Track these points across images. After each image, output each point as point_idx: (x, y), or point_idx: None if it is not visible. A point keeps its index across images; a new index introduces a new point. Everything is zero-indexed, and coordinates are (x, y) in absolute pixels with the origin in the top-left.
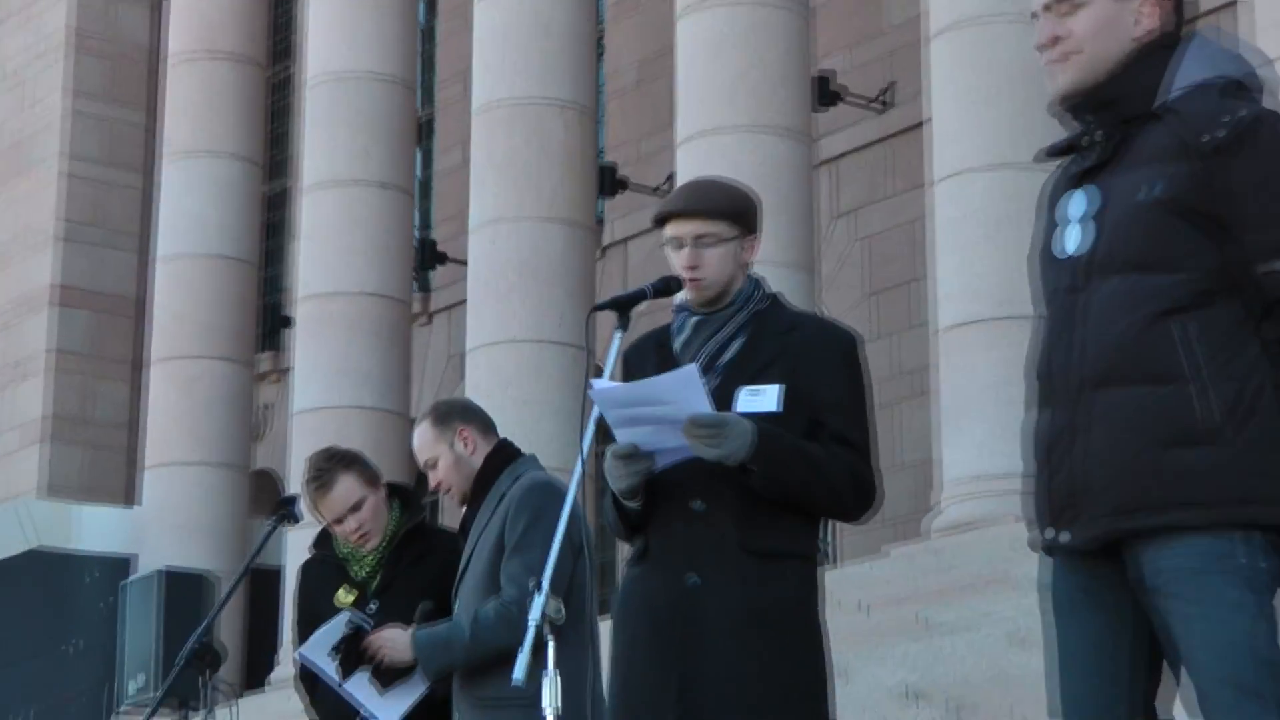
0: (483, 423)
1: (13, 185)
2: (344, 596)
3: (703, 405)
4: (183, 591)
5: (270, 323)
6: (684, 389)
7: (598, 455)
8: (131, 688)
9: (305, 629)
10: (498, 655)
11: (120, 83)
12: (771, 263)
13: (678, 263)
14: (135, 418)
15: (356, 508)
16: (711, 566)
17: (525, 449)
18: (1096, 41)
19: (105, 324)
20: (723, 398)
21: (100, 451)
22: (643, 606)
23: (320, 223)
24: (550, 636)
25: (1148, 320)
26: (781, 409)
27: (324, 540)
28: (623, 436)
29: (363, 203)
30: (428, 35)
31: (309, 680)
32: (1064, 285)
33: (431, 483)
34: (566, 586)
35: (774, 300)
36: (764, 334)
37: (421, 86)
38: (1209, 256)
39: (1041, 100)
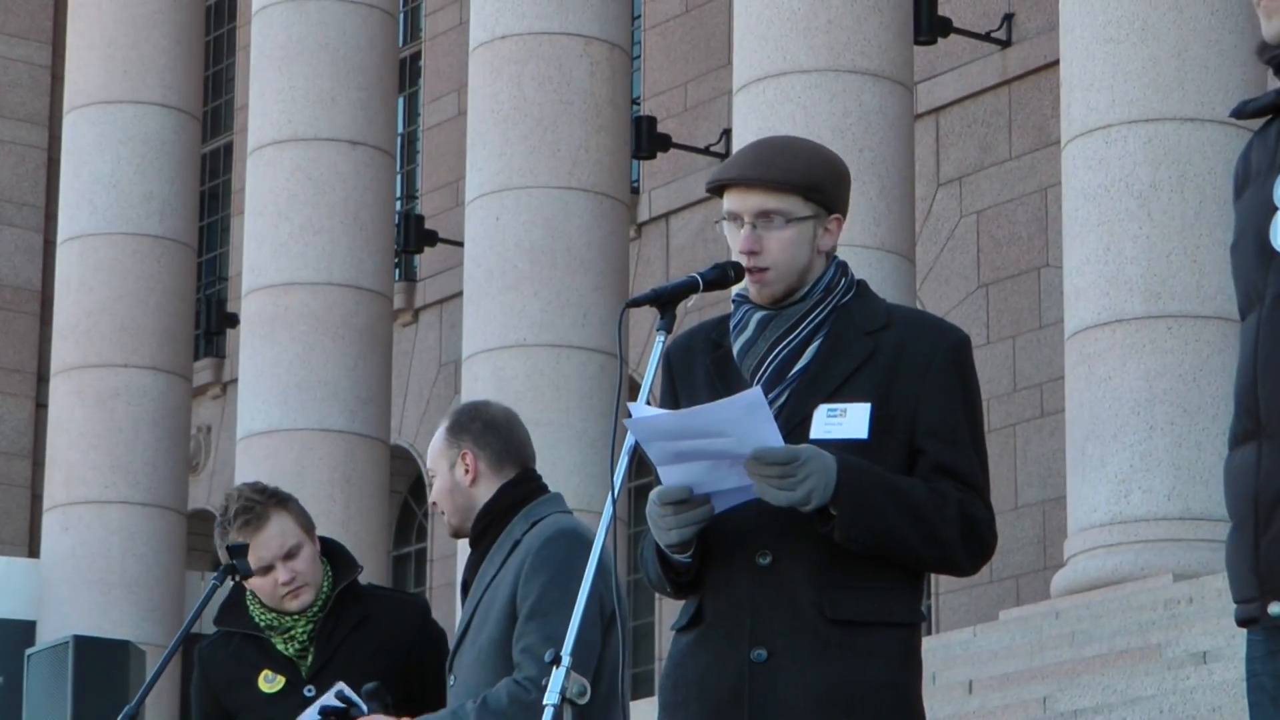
0: (499, 450)
1: None
2: (265, 686)
3: (771, 437)
4: (101, 663)
5: (210, 322)
6: (748, 417)
7: (633, 494)
8: None
9: None
10: None
11: (13, 11)
12: (854, 245)
13: (735, 246)
14: (40, 444)
15: (291, 555)
16: (783, 638)
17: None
18: None
19: (1, 324)
20: (796, 418)
21: None
22: (696, 687)
23: (272, 192)
24: None
25: None
26: (870, 435)
27: (231, 613)
28: (668, 476)
29: (327, 165)
30: None
31: None
32: (1278, 289)
33: (429, 496)
34: (595, 661)
35: (860, 290)
36: (848, 335)
37: (405, 13)
38: None
39: (1206, 36)
